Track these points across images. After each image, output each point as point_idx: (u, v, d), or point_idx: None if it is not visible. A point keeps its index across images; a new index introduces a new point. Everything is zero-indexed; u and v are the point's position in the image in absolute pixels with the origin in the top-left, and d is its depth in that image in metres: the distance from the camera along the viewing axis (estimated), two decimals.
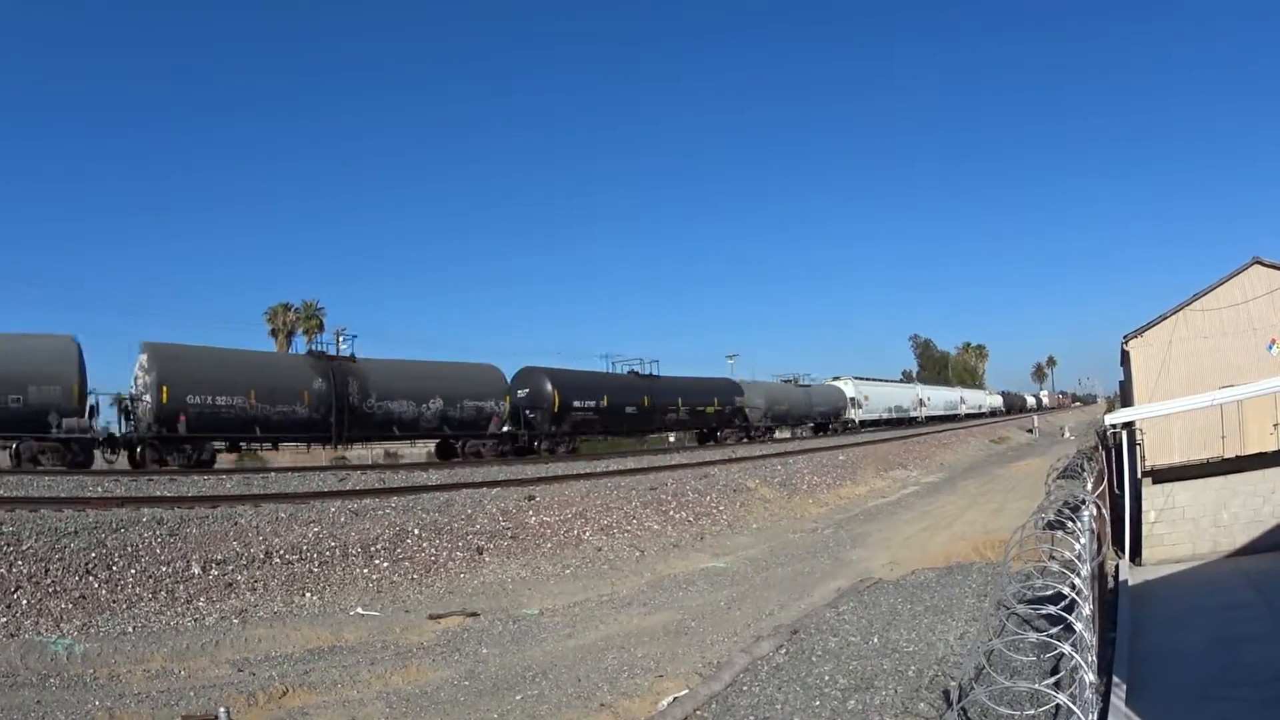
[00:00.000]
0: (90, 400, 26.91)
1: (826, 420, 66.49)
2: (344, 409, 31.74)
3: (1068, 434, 76.45)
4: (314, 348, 35.07)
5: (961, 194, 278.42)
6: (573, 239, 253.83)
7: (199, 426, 27.91)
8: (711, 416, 50.94)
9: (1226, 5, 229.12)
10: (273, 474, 25.51)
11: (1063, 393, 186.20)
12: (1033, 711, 8.42)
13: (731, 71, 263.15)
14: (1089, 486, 19.59)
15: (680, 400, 48.24)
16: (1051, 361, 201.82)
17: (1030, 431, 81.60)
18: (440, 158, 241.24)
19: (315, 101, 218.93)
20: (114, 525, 15.60)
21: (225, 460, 33.21)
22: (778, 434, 59.49)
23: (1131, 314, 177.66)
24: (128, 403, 28.27)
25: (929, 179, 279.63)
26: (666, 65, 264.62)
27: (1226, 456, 24.89)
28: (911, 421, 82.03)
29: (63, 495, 18.20)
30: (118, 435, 28.24)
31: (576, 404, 40.84)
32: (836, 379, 72.95)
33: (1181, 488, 21.08)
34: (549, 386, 39.96)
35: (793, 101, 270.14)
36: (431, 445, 39.42)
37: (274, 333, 61.24)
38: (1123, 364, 30.93)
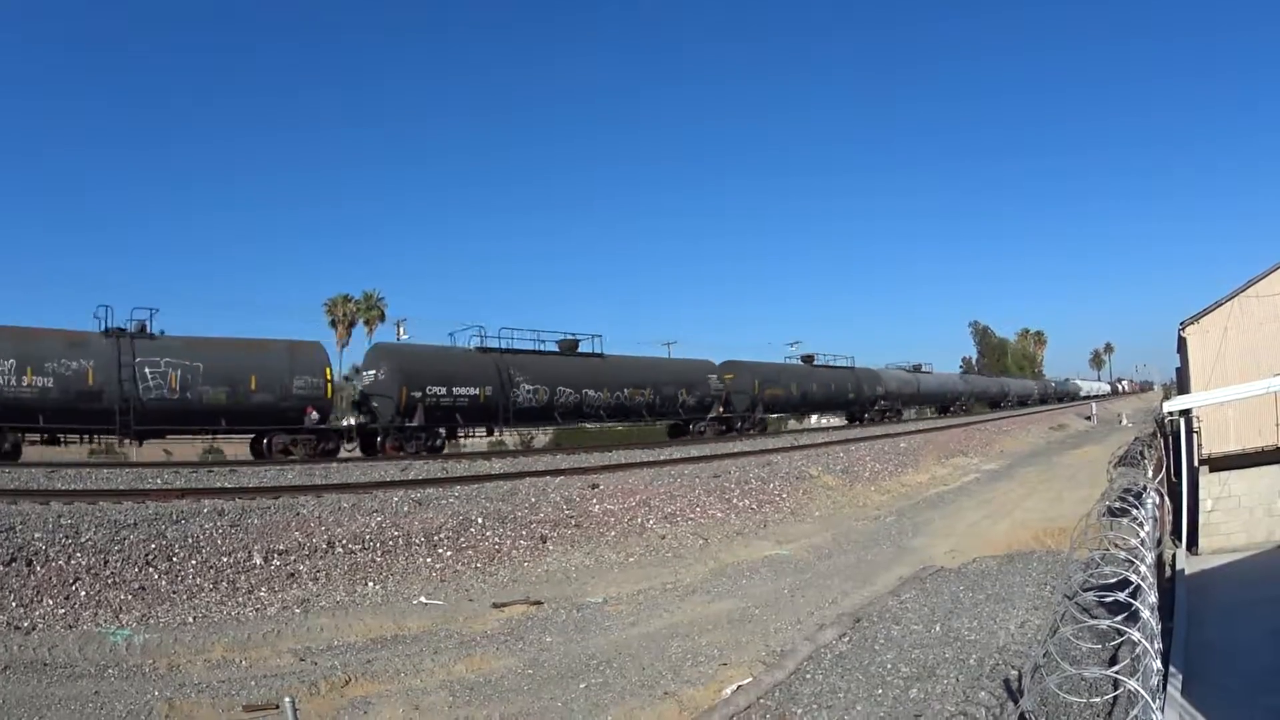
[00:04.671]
0: None
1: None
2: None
3: (1125, 421, 75.37)
4: None
5: (1018, 180, 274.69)
6: (629, 227, 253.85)
7: None
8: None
9: None
10: (334, 465, 25.44)
11: (1130, 380, 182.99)
12: (1096, 700, 8.71)
13: (782, 61, 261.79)
14: (1149, 474, 19.07)
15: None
16: (1109, 348, 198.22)
17: (1088, 419, 79.97)
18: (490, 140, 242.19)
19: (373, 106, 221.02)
20: (174, 517, 15.56)
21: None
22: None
23: (1189, 300, 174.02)
24: None
25: (984, 165, 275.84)
26: (714, 56, 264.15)
27: None
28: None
29: (122, 488, 18.20)
30: None
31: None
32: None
33: (1237, 476, 20.67)
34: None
35: (847, 92, 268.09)
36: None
37: (333, 324, 61.55)
38: (1179, 350, 30.32)
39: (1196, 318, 28.10)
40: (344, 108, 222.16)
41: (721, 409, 44.70)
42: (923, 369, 75.13)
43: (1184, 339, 28.61)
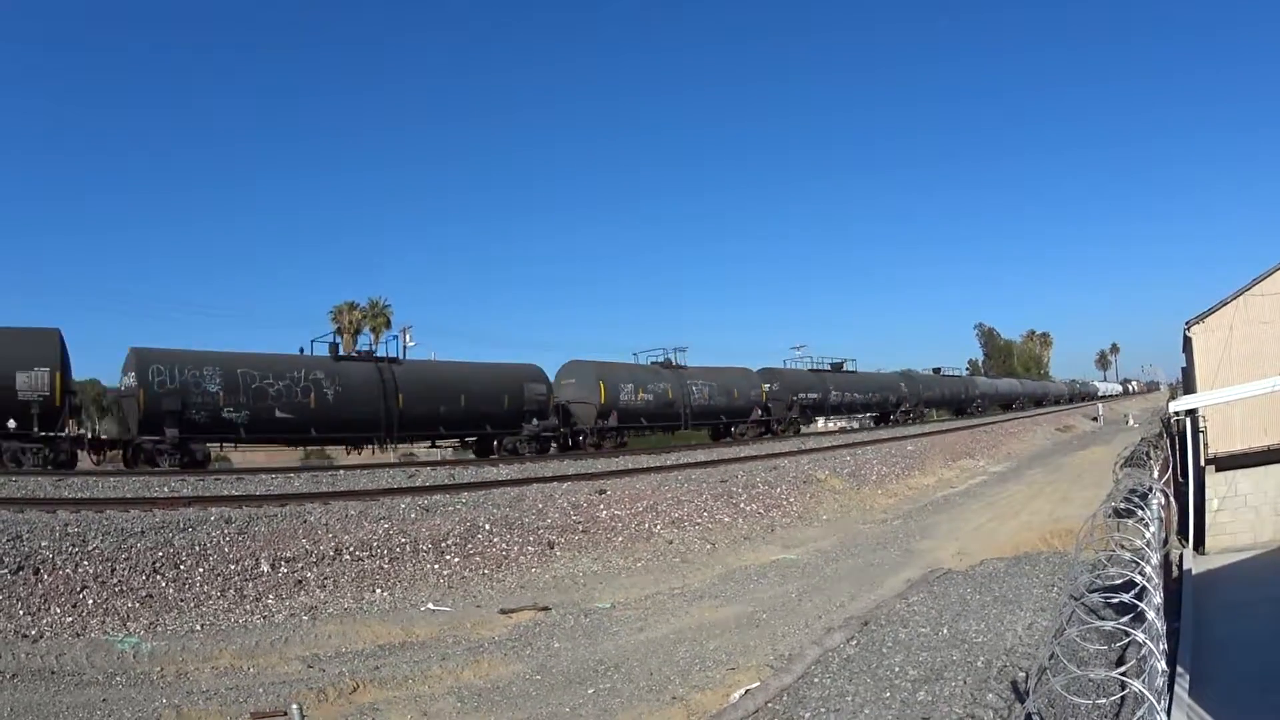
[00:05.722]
0: None
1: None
2: None
3: (1131, 422, 75.09)
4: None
5: (1021, 181, 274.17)
6: (629, 229, 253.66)
7: None
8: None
9: None
10: (341, 471, 25.45)
11: (1137, 380, 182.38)
12: (1103, 701, 8.66)
13: (782, 61, 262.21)
14: (1155, 474, 19.00)
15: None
16: (1115, 349, 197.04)
17: (1095, 420, 79.72)
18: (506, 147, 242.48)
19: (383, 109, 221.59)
20: (181, 525, 15.54)
21: None
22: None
23: (1194, 299, 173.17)
24: None
25: (987, 166, 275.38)
26: (720, 62, 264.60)
27: None
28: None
29: (129, 496, 18.19)
30: None
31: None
32: None
33: (1244, 475, 20.56)
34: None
35: (846, 92, 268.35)
36: None
37: (339, 331, 61.46)
38: (1185, 350, 30.14)
39: (1202, 317, 28.00)
40: (345, 112, 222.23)
41: (907, 405, 64.61)
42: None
43: (1189, 338, 28.50)
